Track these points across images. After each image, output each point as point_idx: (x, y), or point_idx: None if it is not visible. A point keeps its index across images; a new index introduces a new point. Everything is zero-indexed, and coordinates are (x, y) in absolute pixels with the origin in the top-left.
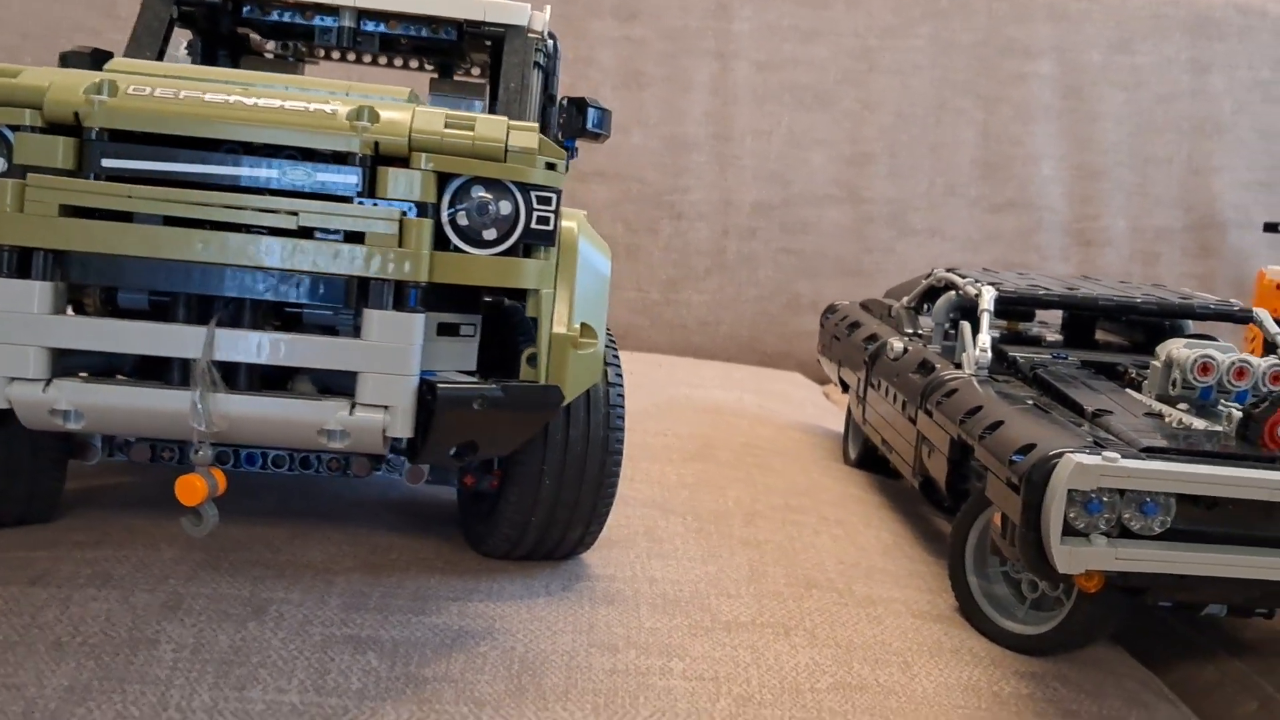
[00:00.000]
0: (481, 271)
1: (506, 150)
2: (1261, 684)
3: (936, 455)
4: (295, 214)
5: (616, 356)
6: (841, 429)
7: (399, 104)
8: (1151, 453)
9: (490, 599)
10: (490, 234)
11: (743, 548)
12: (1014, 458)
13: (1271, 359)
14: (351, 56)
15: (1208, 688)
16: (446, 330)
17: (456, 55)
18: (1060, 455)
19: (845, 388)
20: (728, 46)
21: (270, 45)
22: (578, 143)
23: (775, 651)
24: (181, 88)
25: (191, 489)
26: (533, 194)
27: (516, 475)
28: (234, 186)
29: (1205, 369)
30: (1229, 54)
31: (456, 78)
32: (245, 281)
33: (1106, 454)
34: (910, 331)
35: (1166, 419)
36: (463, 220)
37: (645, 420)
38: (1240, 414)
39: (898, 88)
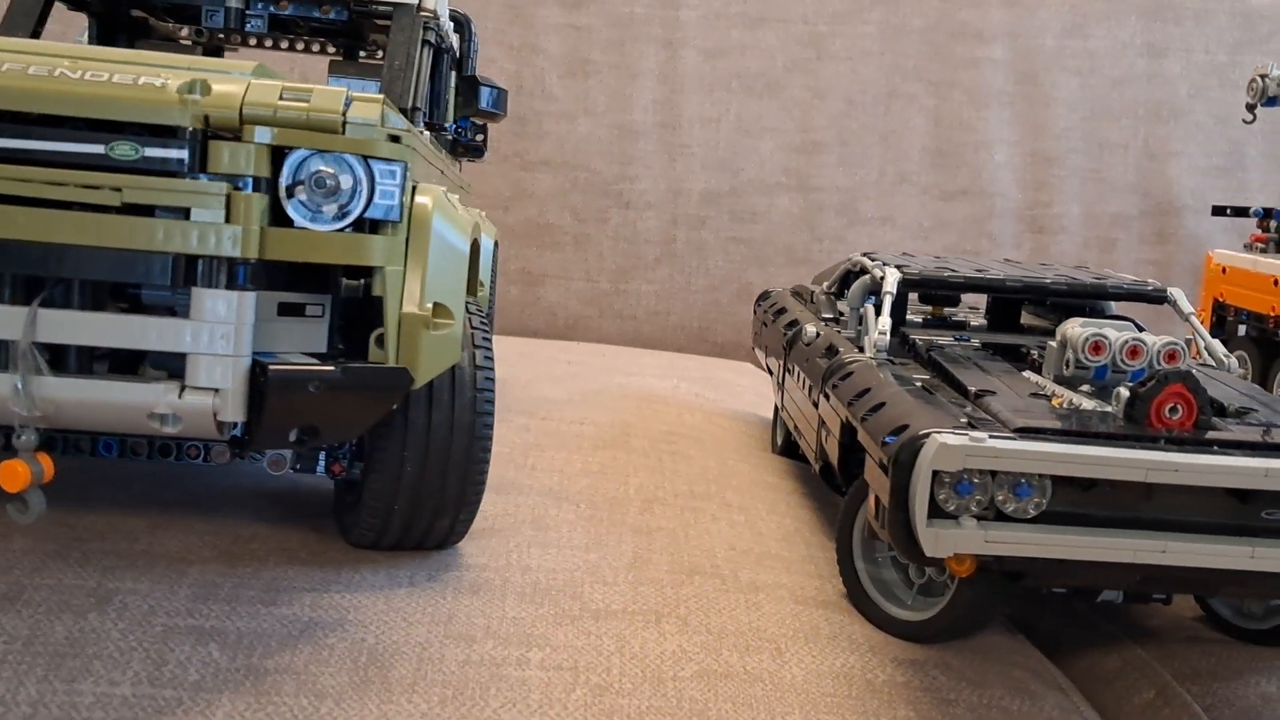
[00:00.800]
0: (320, 248)
1: (345, 122)
2: (1161, 671)
3: (832, 439)
4: (119, 190)
5: (488, 339)
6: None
7: (237, 77)
8: (1025, 433)
9: (348, 590)
10: (331, 209)
11: (632, 535)
12: (887, 439)
13: (1166, 337)
14: (253, 41)
15: (1109, 676)
16: (290, 310)
17: (357, 37)
18: (927, 436)
19: (773, 375)
20: (675, 34)
21: (183, 31)
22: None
23: (642, 639)
24: (8, 61)
25: (13, 475)
26: (376, 167)
27: (377, 462)
28: (59, 163)
29: (1097, 348)
30: (1185, 38)
31: (363, 60)
32: (70, 260)
33: (973, 434)
34: (828, 316)
35: (1054, 399)
36: (302, 195)
37: (565, 409)
38: (1128, 394)
39: (847, 74)
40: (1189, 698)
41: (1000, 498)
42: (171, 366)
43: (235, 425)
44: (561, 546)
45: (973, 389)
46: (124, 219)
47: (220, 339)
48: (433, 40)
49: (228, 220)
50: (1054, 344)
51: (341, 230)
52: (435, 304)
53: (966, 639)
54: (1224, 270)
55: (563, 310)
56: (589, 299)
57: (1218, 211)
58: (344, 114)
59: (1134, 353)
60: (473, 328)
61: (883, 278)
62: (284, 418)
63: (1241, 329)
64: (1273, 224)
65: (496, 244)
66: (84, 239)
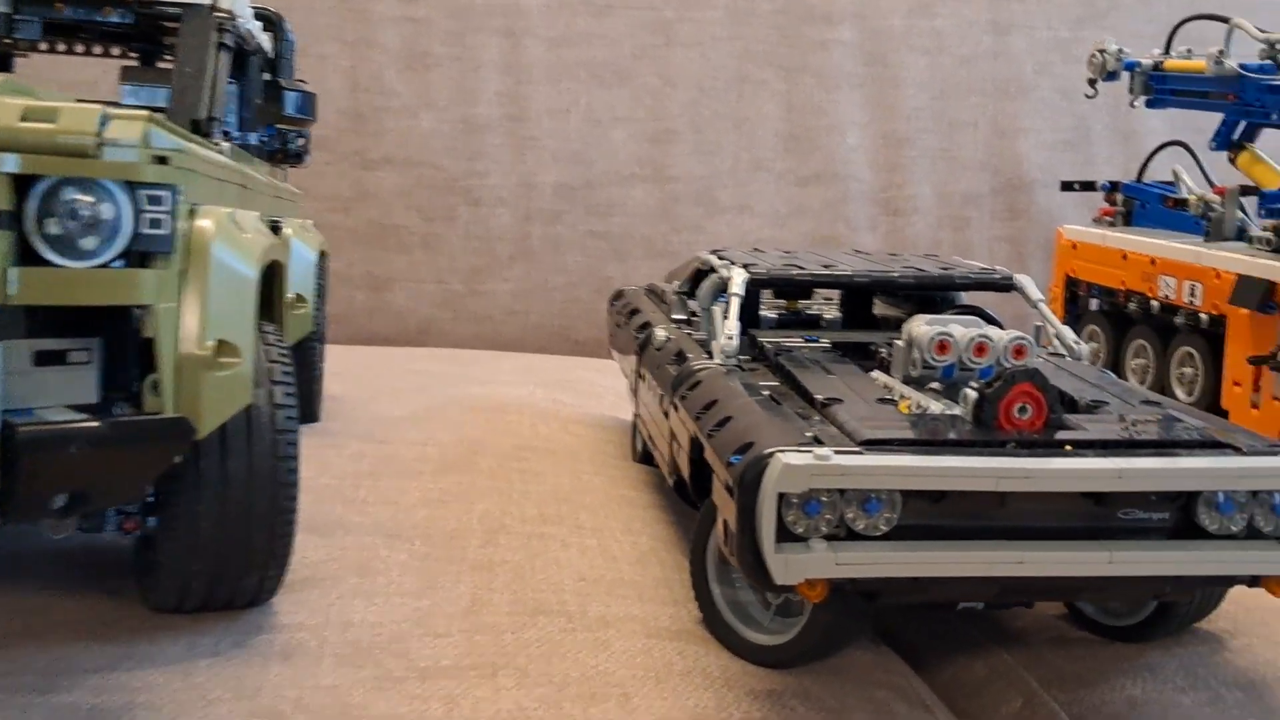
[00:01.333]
0: (79, 288)
1: (101, 144)
2: (1027, 678)
3: (683, 453)
4: None
5: (289, 373)
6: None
7: None
8: (872, 445)
9: (142, 665)
10: (90, 243)
11: (471, 573)
12: (732, 458)
13: (1013, 333)
14: (44, 47)
15: (976, 685)
16: (49, 359)
17: (153, 40)
18: (770, 456)
19: (628, 379)
20: (517, 23)
21: None
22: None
23: (474, 700)
24: None
25: None
26: (141, 194)
27: (171, 519)
28: None
29: (943, 347)
30: (1028, 14)
31: (162, 65)
32: None
33: (818, 451)
34: (679, 318)
35: (901, 404)
36: (54, 229)
37: (406, 428)
38: (975, 395)
39: (697, 60)
40: (1056, 705)
41: (850, 515)
42: None
43: None
44: (389, 595)
45: (819, 397)
46: None
47: None
48: (230, 43)
49: None
50: (900, 343)
51: (104, 266)
52: (219, 341)
53: (827, 660)
54: (1074, 246)
55: (413, 315)
56: (441, 302)
57: (1066, 186)
58: (99, 135)
59: (980, 350)
60: (270, 361)
61: (729, 278)
62: (43, 483)
63: (1094, 304)
64: (1119, 197)
65: (324, 254)
66: None
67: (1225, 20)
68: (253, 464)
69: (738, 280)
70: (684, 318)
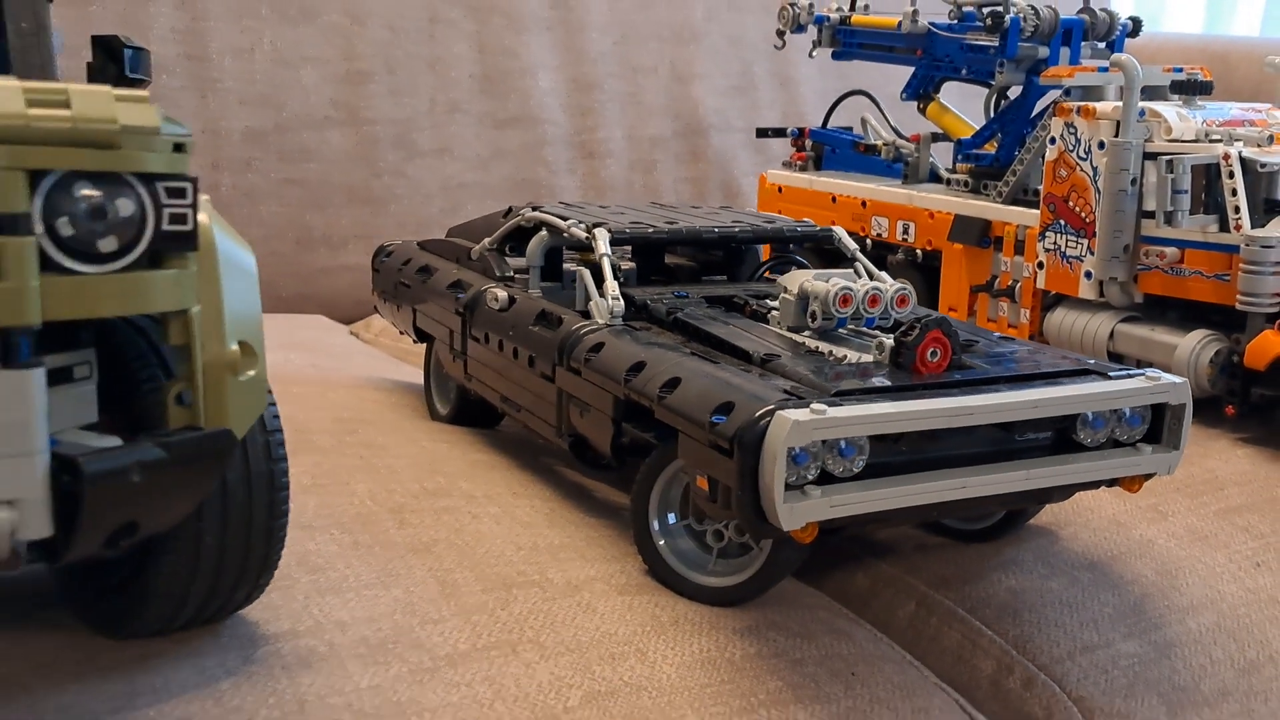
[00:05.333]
0: (109, 298)
1: (123, 131)
2: (913, 583)
3: (595, 414)
4: None
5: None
6: (419, 380)
7: None
8: (842, 395)
9: (162, 698)
10: (109, 244)
11: (415, 556)
12: (714, 419)
13: (895, 284)
14: None
15: (864, 595)
16: (57, 378)
17: None
18: (770, 413)
19: (422, 338)
20: None
21: None
22: None
23: (512, 676)
24: None
25: None
26: (160, 186)
27: (170, 539)
28: None
29: (846, 300)
30: None
31: None
32: None
33: (814, 406)
34: (501, 276)
35: (827, 355)
36: (66, 230)
37: None
38: (891, 342)
39: None
40: (950, 603)
41: (829, 461)
42: None
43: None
44: (355, 588)
45: (756, 354)
46: None
47: (9, 436)
48: None
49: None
50: (788, 296)
51: (123, 271)
52: (240, 343)
53: (766, 594)
54: (780, 190)
55: None
56: None
57: (761, 133)
58: (119, 121)
59: (873, 301)
60: None
61: (590, 238)
62: (102, 519)
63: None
64: (807, 143)
65: None
66: None
67: None
68: (250, 469)
69: (602, 241)
70: (504, 275)
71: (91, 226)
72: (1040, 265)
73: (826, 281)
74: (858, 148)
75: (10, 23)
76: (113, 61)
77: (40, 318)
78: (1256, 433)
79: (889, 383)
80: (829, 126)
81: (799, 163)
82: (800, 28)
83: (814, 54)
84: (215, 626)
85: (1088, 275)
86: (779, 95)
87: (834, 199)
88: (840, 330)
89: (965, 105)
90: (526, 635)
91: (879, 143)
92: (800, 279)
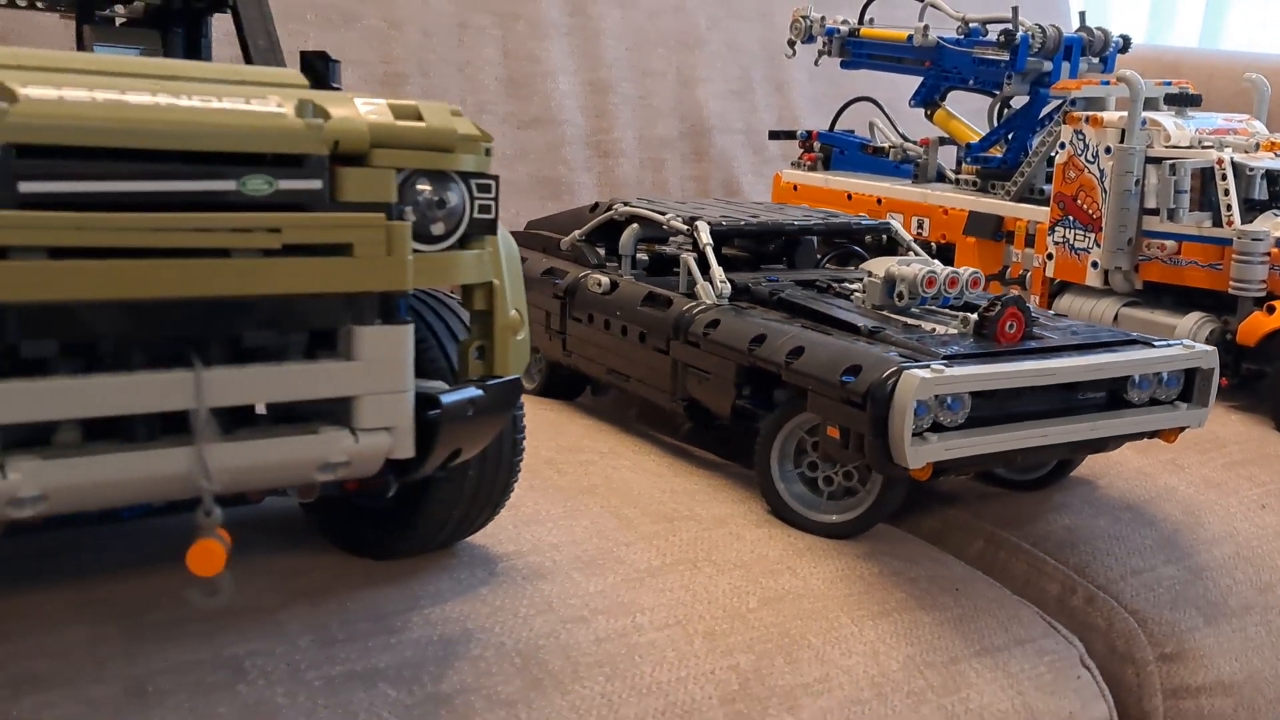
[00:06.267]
0: (441, 271)
1: (461, 139)
2: (981, 524)
3: (716, 380)
4: (278, 230)
5: None
6: None
7: (339, 97)
8: (951, 360)
9: (439, 602)
10: (439, 229)
11: (585, 496)
12: (844, 379)
13: (968, 269)
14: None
15: (935, 536)
16: None
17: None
18: (897, 373)
19: None
20: None
21: None
22: None
23: (700, 585)
24: (86, 85)
25: (210, 557)
26: (474, 183)
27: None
28: (179, 204)
29: (930, 282)
30: None
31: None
32: (227, 314)
33: (933, 366)
34: (596, 264)
35: (925, 329)
36: (410, 217)
37: None
38: (976, 317)
39: (419, 5)
40: (1015, 539)
41: (940, 414)
42: (308, 412)
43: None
44: (550, 520)
45: (864, 326)
46: (289, 261)
47: (389, 377)
48: None
49: (388, 253)
50: (874, 279)
51: (447, 250)
52: (515, 310)
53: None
54: (795, 188)
55: None
56: None
57: (773, 136)
58: (457, 131)
59: (953, 283)
60: None
61: (691, 230)
62: (447, 445)
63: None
64: (816, 145)
65: None
66: (249, 288)
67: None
68: None
69: (704, 232)
70: (597, 263)
71: (429, 215)
72: (1049, 256)
73: (909, 266)
74: (866, 150)
75: (250, 40)
76: (318, 73)
77: (412, 285)
78: (1247, 400)
79: (978, 351)
80: (835, 129)
81: (809, 163)
82: (811, 38)
83: (819, 63)
84: (453, 549)
85: (1094, 265)
86: (774, 99)
87: (849, 196)
88: (917, 308)
89: (958, 110)
90: (699, 555)
91: (887, 145)
92: (886, 264)
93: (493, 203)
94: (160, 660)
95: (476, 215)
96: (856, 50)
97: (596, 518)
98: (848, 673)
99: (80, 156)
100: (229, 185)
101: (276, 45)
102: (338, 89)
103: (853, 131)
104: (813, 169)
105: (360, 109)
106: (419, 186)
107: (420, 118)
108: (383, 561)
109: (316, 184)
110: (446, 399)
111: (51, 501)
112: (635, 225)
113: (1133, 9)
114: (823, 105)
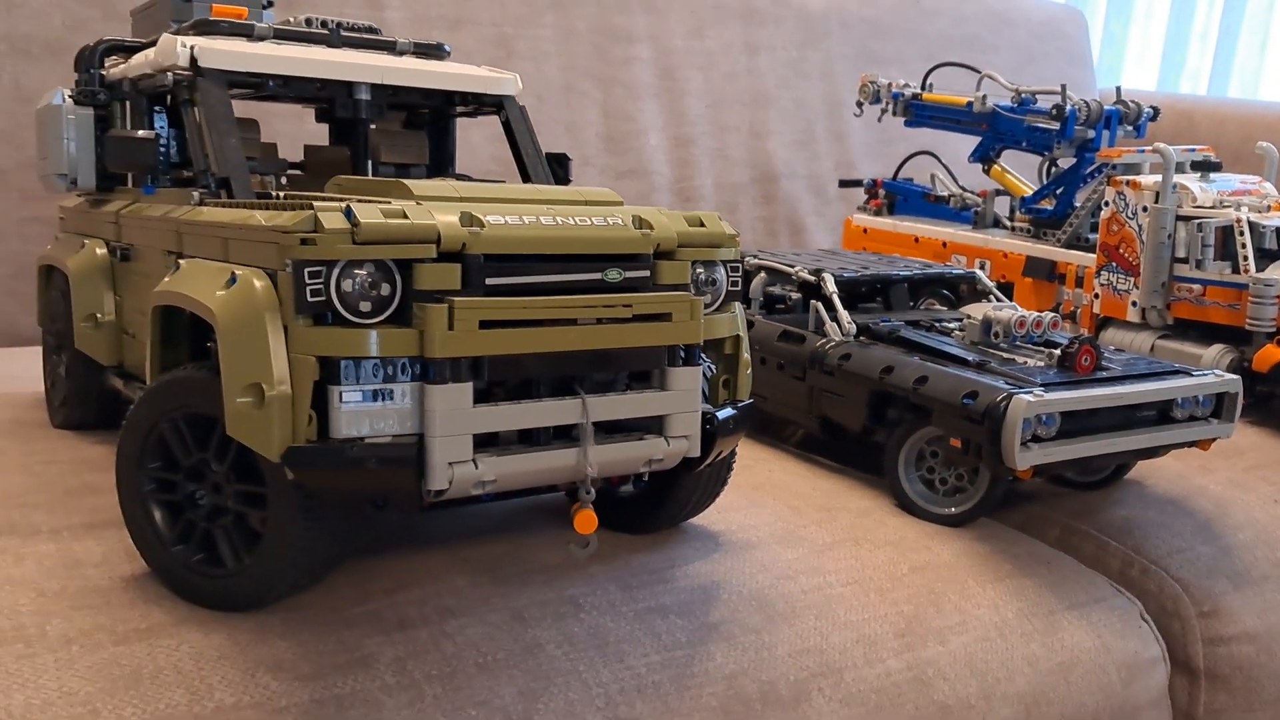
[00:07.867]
0: (719, 327)
1: (729, 237)
2: (1055, 516)
3: (849, 401)
4: (630, 305)
5: None
6: None
7: (652, 211)
8: (1048, 387)
9: (690, 562)
10: (708, 299)
11: (756, 492)
12: (965, 400)
13: (1049, 313)
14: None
15: (1021, 524)
16: None
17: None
18: (1009, 397)
19: None
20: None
21: None
22: None
23: (865, 555)
24: (512, 213)
25: (589, 521)
26: (728, 265)
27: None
28: (567, 289)
29: (1021, 324)
30: (769, 38)
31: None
32: (603, 360)
33: (1036, 392)
34: None
35: (1020, 361)
36: (703, 294)
37: None
38: (1059, 353)
39: (533, 72)
40: (1085, 527)
41: (1038, 428)
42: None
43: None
44: (736, 509)
45: (971, 359)
46: (636, 326)
47: (689, 401)
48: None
49: (690, 318)
50: (973, 321)
51: (714, 312)
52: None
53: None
54: (865, 231)
55: None
56: None
57: (843, 184)
58: (727, 233)
59: (1038, 325)
60: None
61: (818, 280)
62: (719, 449)
63: None
64: (881, 191)
65: None
66: (614, 343)
67: (976, 70)
68: None
69: (830, 283)
70: None
71: (703, 290)
72: (1096, 296)
73: (1001, 311)
74: (928, 198)
75: (521, 147)
76: (563, 169)
77: (702, 339)
78: (1260, 416)
79: (1062, 379)
80: (899, 178)
81: (874, 208)
82: (877, 99)
83: (880, 119)
84: (682, 528)
85: (1134, 304)
86: (833, 148)
87: (916, 240)
88: (1007, 344)
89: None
90: (857, 535)
91: (947, 194)
92: (982, 309)
93: (739, 278)
94: (525, 598)
95: (729, 288)
96: (919, 112)
97: (774, 507)
98: (978, 619)
99: (514, 259)
100: (596, 275)
101: (539, 150)
102: (569, 180)
103: (911, 180)
104: (878, 214)
105: (673, 220)
106: (698, 270)
107: (703, 224)
108: (638, 535)
109: (645, 273)
110: (720, 416)
111: (499, 484)
112: (763, 274)
113: (1148, 52)
114: (876, 153)
